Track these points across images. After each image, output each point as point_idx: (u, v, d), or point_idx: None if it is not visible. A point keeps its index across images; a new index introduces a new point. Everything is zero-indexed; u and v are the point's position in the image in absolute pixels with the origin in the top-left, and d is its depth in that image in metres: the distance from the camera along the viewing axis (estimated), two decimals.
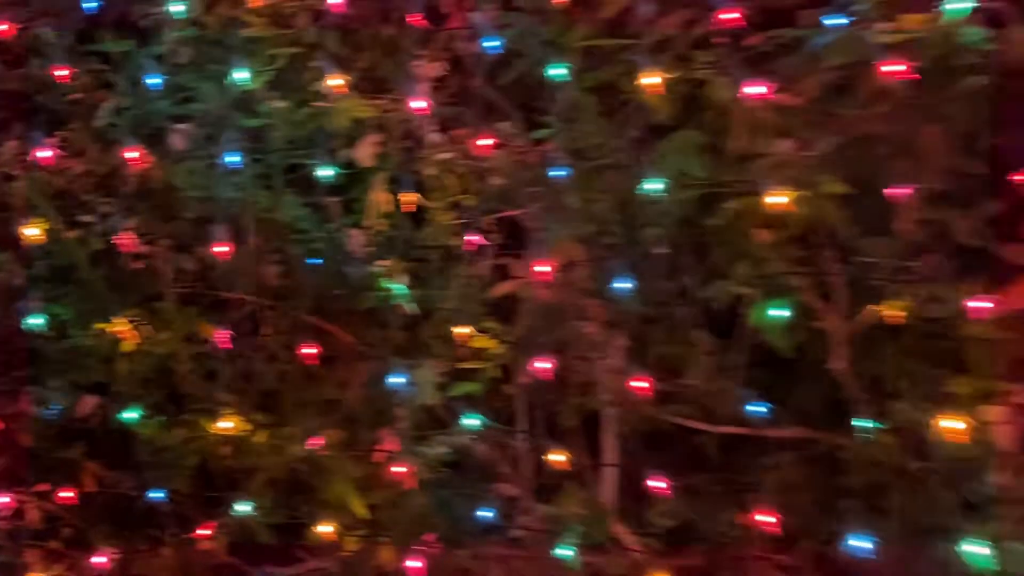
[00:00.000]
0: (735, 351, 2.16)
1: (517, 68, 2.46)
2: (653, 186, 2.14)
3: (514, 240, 2.51)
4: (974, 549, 1.74)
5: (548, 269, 2.27)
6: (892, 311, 1.90)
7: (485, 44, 2.32)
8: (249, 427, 2.54)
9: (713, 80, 2.13)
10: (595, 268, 2.29)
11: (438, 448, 2.43)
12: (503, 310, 2.51)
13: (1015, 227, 1.86)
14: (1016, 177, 1.78)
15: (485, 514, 2.43)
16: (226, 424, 2.52)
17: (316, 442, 2.48)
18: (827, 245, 2.09)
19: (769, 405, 2.16)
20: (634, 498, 2.49)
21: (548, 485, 2.55)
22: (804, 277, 2.12)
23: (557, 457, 2.32)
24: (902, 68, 1.76)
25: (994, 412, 1.84)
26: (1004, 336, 1.86)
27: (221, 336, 2.56)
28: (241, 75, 2.51)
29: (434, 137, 2.50)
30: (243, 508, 2.51)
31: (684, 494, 2.57)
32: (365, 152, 2.52)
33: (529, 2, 2.39)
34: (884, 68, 1.77)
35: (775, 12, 2.23)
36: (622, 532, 2.45)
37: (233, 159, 2.55)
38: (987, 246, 1.88)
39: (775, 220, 2.04)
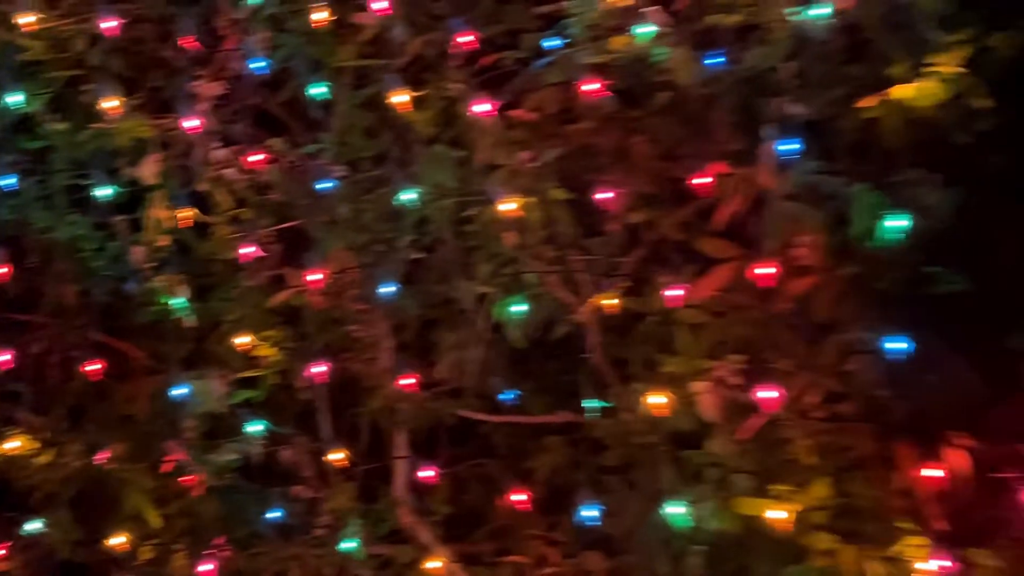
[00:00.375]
0: (482, 345, 2.35)
1: (291, 87, 2.63)
2: (408, 196, 2.33)
3: (298, 250, 2.66)
4: (674, 510, 1.98)
5: (320, 277, 2.43)
6: (608, 302, 2.14)
7: (252, 65, 2.47)
8: (37, 445, 2.59)
9: (461, 97, 2.33)
10: (366, 275, 2.46)
11: (227, 455, 2.55)
12: (293, 318, 2.66)
13: (709, 223, 2.12)
14: (695, 180, 2.04)
15: (277, 515, 2.57)
16: (12, 444, 2.57)
17: (103, 456, 2.55)
18: (572, 245, 2.33)
19: (518, 392, 2.38)
20: (426, 489, 2.68)
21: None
22: (553, 274, 2.35)
23: (337, 456, 2.48)
24: (597, 87, 2.00)
25: (701, 387, 2.10)
26: (706, 320, 2.13)
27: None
28: (15, 98, 2.56)
29: (218, 154, 2.63)
30: (33, 527, 2.57)
31: (473, 481, 2.80)
32: (148, 170, 2.62)
33: (299, 24, 2.55)
34: (584, 87, 2.01)
35: (517, 33, 2.47)
36: (412, 522, 2.63)
37: (9, 181, 2.61)
38: (687, 241, 2.14)
39: (520, 224, 2.26)
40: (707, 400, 2.07)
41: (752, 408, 2.06)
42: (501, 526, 2.69)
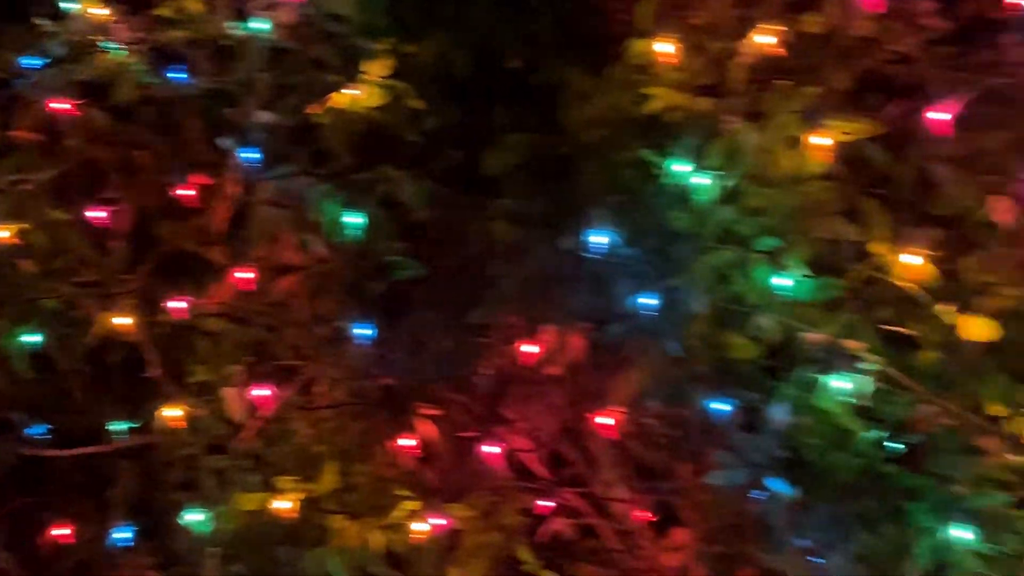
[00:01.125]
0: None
1: None
2: None
3: None
4: (192, 517, 2.06)
5: None
6: (121, 320, 2.17)
7: None
8: None
9: None
10: None
11: None
12: None
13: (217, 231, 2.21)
14: (179, 192, 2.12)
15: None
16: None
17: None
18: (90, 264, 2.31)
19: (47, 427, 2.34)
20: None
21: None
22: (86, 296, 2.32)
23: None
24: (68, 106, 2.01)
25: (227, 392, 2.18)
26: (225, 327, 2.22)
27: None
28: None
29: None
30: None
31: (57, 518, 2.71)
32: None
33: None
34: (52, 105, 2.01)
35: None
36: None
37: None
38: (198, 251, 2.22)
39: (29, 250, 2.21)
40: (232, 403, 2.16)
41: (272, 405, 2.17)
42: (85, 559, 2.65)
